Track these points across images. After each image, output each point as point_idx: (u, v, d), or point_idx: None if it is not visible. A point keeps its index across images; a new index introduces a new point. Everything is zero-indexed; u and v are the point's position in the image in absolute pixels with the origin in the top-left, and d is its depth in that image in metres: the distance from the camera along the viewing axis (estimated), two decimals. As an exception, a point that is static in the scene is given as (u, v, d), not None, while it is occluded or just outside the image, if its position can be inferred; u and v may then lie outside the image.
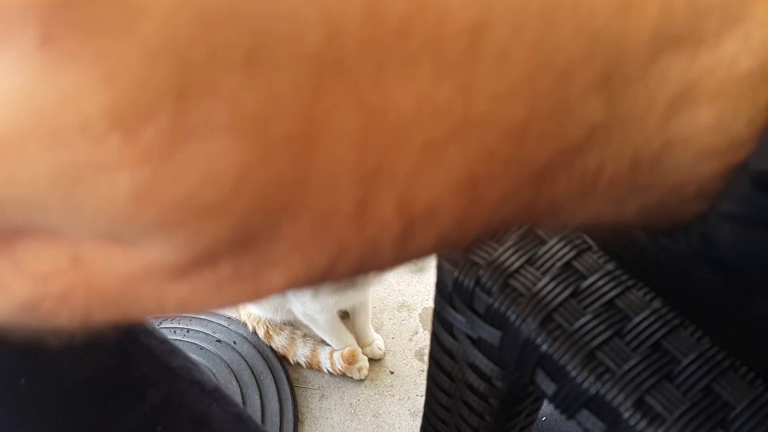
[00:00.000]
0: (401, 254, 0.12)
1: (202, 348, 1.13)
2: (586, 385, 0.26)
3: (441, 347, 0.35)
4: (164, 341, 0.42)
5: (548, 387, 0.28)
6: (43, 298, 0.12)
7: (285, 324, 1.13)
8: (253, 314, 1.12)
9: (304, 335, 1.13)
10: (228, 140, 0.10)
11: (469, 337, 0.32)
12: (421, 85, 0.10)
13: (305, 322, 1.05)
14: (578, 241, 0.29)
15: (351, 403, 1.10)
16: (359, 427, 1.07)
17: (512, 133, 0.11)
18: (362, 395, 1.10)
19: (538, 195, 0.13)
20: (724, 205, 0.13)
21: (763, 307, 0.15)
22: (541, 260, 0.29)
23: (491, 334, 0.29)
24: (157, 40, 0.09)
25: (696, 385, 0.25)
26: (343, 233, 0.11)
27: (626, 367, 0.26)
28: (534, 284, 0.28)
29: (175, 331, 1.16)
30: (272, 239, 0.11)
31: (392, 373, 1.13)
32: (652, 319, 0.27)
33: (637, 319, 0.27)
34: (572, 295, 0.28)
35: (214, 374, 1.10)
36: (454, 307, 0.31)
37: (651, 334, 0.26)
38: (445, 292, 0.31)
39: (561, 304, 0.27)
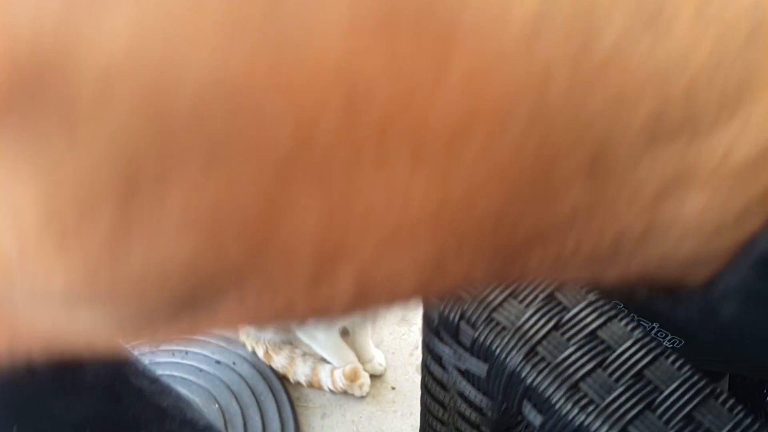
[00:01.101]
0: (352, 310, 0.12)
1: (201, 370, 1.13)
2: (570, 416, 0.26)
3: (432, 377, 0.35)
4: (155, 381, 0.43)
5: (535, 418, 0.28)
6: None
7: (284, 343, 1.13)
8: (251, 334, 1.12)
9: (304, 354, 1.13)
10: (176, 239, 0.09)
11: (458, 369, 0.32)
12: (395, 175, 0.10)
13: (305, 340, 1.05)
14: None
15: (353, 421, 1.10)
16: (361, 444, 1.07)
17: (488, 219, 0.11)
18: (364, 412, 1.10)
19: (508, 268, 0.12)
20: (727, 281, 0.13)
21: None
22: (524, 293, 0.29)
23: (478, 367, 0.30)
24: (104, 141, 0.08)
25: (678, 414, 0.26)
26: (292, 299, 0.11)
27: (609, 398, 0.26)
28: (518, 318, 0.28)
29: (174, 353, 1.16)
30: (214, 304, 0.11)
31: (394, 388, 1.13)
32: (634, 348, 0.27)
33: (619, 350, 0.27)
34: (555, 327, 0.28)
35: (213, 396, 1.10)
36: (441, 340, 0.31)
37: (633, 364, 0.27)
38: (432, 325, 0.31)
39: (544, 336, 0.28)
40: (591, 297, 0.29)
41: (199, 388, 1.12)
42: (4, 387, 0.38)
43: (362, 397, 1.11)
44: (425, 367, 0.36)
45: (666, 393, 0.26)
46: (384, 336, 1.19)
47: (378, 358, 1.13)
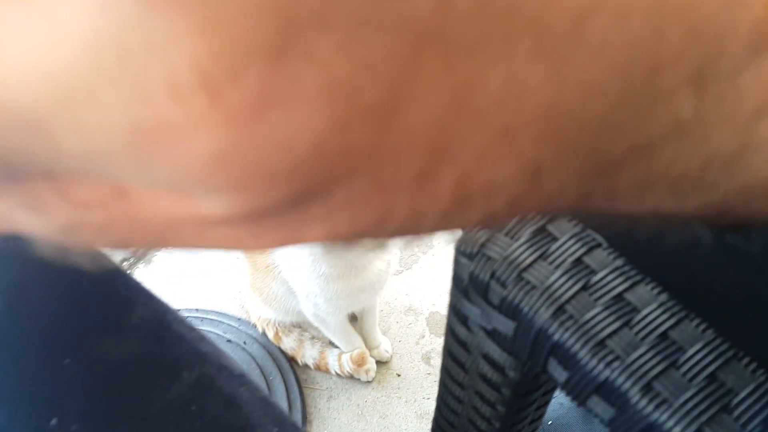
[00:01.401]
0: (442, 225, 0.12)
1: (211, 348, 1.14)
2: (596, 372, 0.27)
3: (456, 339, 0.36)
4: (194, 330, 0.44)
5: (560, 375, 0.29)
6: (83, 225, 0.11)
7: (294, 326, 1.14)
8: (262, 316, 1.14)
9: (313, 337, 1.14)
10: (311, 108, 0.09)
11: (484, 329, 0.33)
12: (515, 65, 0.10)
13: (315, 323, 1.06)
14: (588, 239, 0.31)
15: (358, 404, 1.11)
16: (366, 428, 1.08)
17: (592, 125, 0.11)
18: (369, 397, 1.11)
19: (597, 188, 0.12)
20: None
21: None
22: (553, 256, 0.30)
23: (505, 325, 0.31)
24: None
25: (701, 373, 0.27)
26: (394, 200, 0.11)
27: (634, 355, 0.27)
28: (546, 278, 0.29)
29: (185, 332, 1.17)
30: (324, 200, 0.11)
31: (399, 375, 1.14)
32: (659, 311, 0.28)
33: (644, 311, 0.28)
34: (583, 288, 0.29)
35: (223, 374, 1.11)
36: (469, 300, 0.32)
37: (658, 325, 0.28)
38: (461, 286, 0.32)
39: (572, 296, 0.29)
40: (618, 262, 0.30)
41: (207, 367, 1.13)
42: (58, 322, 0.39)
43: (368, 383, 1.12)
44: (449, 330, 0.37)
45: (690, 353, 0.27)
46: (391, 324, 1.20)
47: (384, 345, 1.15)
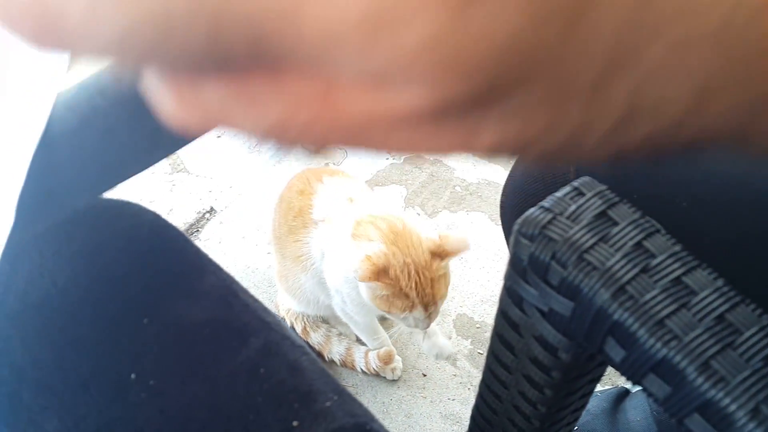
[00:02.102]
0: (605, 142, 0.13)
1: (241, 340, 1.16)
2: (654, 350, 0.28)
3: (508, 321, 0.37)
4: (257, 301, 0.46)
5: (617, 354, 0.30)
6: (291, 121, 0.13)
7: (322, 321, 1.16)
8: (291, 310, 1.15)
9: (340, 334, 1.15)
10: (512, 3, 0.10)
11: (539, 310, 0.34)
12: None
13: (344, 319, 1.08)
14: (648, 224, 0.32)
15: (383, 402, 1.12)
16: (391, 425, 1.09)
17: (761, 49, 0.11)
18: (395, 395, 1.12)
19: (753, 122, 0.12)
20: None
21: None
22: (614, 239, 0.31)
23: (564, 305, 0.32)
24: None
25: (758, 354, 0.28)
26: (567, 108, 0.12)
27: (692, 335, 0.28)
28: (607, 260, 0.31)
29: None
30: (502, 101, 0.12)
31: (425, 375, 1.15)
32: (716, 295, 0.29)
33: (702, 294, 0.29)
34: (642, 271, 0.30)
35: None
36: (527, 281, 0.34)
37: (715, 308, 0.29)
38: (519, 267, 0.34)
39: (632, 278, 0.30)
40: (676, 248, 0.31)
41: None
42: (136, 284, 0.42)
43: (393, 381, 1.13)
44: (501, 314, 0.38)
45: (747, 335, 0.28)
46: (418, 325, 1.21)
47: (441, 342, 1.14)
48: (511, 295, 0.36)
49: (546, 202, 0.33)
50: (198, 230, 1.37)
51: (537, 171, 0.50)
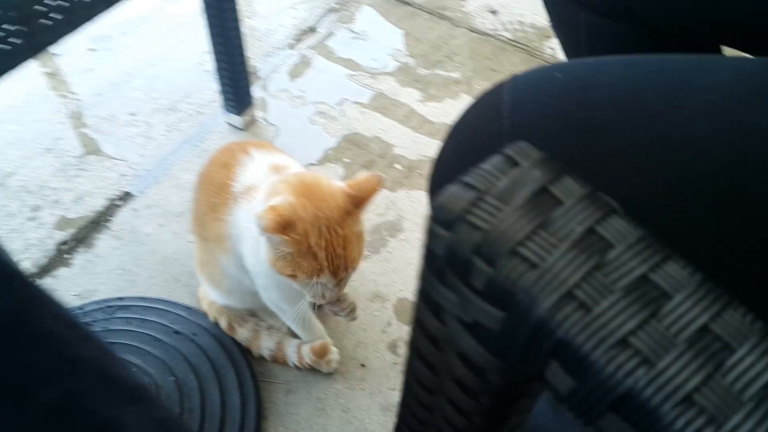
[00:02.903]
0: None
1: (158, 340, 1.05)
2: (614, 381, 0.20)
3: (424, 333, 0.29)
4: (74, 327, 0.34)
5: (563, 383, 0.22)
6: None
7: (249, 314, 1.06)
8: (215, 304, 1.05)
9: (270, 327, 1.06)
10: None
11: (461, 321, 0.26)
12: None
13: (272, 308, 0.98)
14: (601, 203, 0.24)
15: (319, 398, 1.03)
16: (327, 422, 1.01)
17: None
18: (331, 389, 1.04)
19: None
20: None
21: None
22: (557, 225, 0.23)
23: (491, 316, 0.23)
24: None
25: (756, 380, 0.20)
26: None
27: (668, 358, 0.20)
28: (548, 254, 0.22)
29: (129, 321, 1.08)
30: None
31: (363, 366, 1.07)
32: (696, 297, 0.21)
33: (677, 298, 0.21)
34: (596, 267, 0.22)
35: (170, 368, 1.02)
36: (444, 283, 0.25)
37: (696, 316, 0.21)
38: (434, 265, 0.25)
39: (583, 278, 0.22)
40: (639, 232, 0.23)
41: (154, 359, 1.04)
42: None
43: (329, 374, 1.05)
44: (416, 323, 0.29)
45: (740, 354, 0.20)
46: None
47: None
48: (425, 300, 0.27)
49: (469, 176, 0.24)
50: (109, 219, 1.24)
51: (468, 143, 0.42)
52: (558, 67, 0.42)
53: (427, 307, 0.27)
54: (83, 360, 0.32)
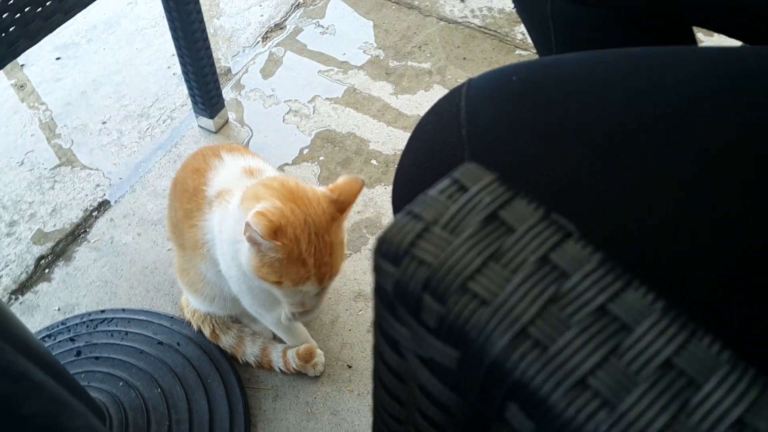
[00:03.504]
0: None
1: (142, 351, 1.03)
2: (576, 425, 0.19)
3: (386, 366, 0.27)
4: (21, 379, 0.32)
5: (523, 426, 0.21)
6: None
7: (233, 321, 1.04)
8: (198, 312, 1.03)
9: (254, 333, 1.04)
10: None
11: (419, 357, 0.24)
12: None
13: (253, 314, 0.97)
14: (555, 227, 0.22)
15: (307, 402, 1.02)
16: (317, 426, 1.00)
17: None
18: (319, 393, 1.03)
19: None
20: None
21: None
22: (509, 255, 0.21)
23: (445, 355, 0.22)
24: None
25: (724, 419, 0.18)
26: None
27: (630, 399, 0.19)
28: (500, 289, 0.21)
29: (112, 334, 1.06)
30: None
31: (350, 367, 1.06)
32: (658, 328, 0.20)
33: (638, 330, 0.20)
34: (551, 300, 0.21)
35: (155, 380, 1.01)
36: (397, 319, 0.24)
37: (658, 350, 0.20)
38: (386, 299, 0.23)
39: (538, 314, 0.20)
40: (596, 257, 0.21)
41: (139, 372, 1.02)
42: None
43: (317, 378, 1.04)
44: (377, 355, 0.28)
45: (706, 390, 0.19)
46: (340, 312, 1.12)
47: None
48: (383, 334, 0.26)
49: (415, 205, 0.23)
50: (86, 230, 1.22)
51: (427, 154, 0.40)
52: (513, 69, 0.41)
53: (385, 340, 0.26)
54: (26, 417, 0.30)
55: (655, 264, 0.34)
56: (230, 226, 0.81)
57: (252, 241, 0.73)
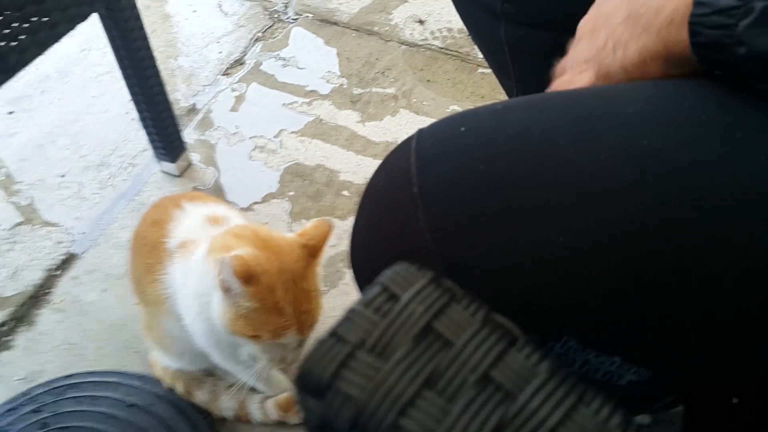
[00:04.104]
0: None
1: (113, 417, 0.99)
2: None
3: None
4: None
5: None
6: None
7: (206, 375, 1.00)
8: (168, 369, 0.99)
9: (230, 386, 1.00)
10: None
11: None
12: None
13: (228, 368, 0.93)
14: (497, 334, 0.20)
15: (291, 453, 0.98)
16: (302, 479, 0.96)
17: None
18: (302, 442, 0.99)
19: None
20: None
21: None
22: (447, 376, 0.19)
23: (386, 495, 0.19)
24: None
25: None
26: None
27: None
28: (438, 422, 0.18)
29: (80, 401, 1.02)
30: None
31: (333, 412, 1.02)
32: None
33: (597, 460, 0.17)
34: (499, 427, 0.18)
35: (129, 445, 0.96)
36: (331, 452, 0.21)
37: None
38: None
39: (482, 449, 0.18)
40: (546, 367, 0.19)
41: (111, 438, 0.98)
42: None
43: (297, 425, 1.00)
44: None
45: None
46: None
47: None
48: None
49: (339, 325, 0.20)
50: (49, 291, 1.17)
51: (380, 215, 0.37)
52: (462, 119, 0.38)
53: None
54: None
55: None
56: (196, 279, 0.77)
57: (225, 287, 0.69)
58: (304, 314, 0.73)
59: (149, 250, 0.86)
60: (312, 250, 0.74)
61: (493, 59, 0.82)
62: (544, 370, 0.19)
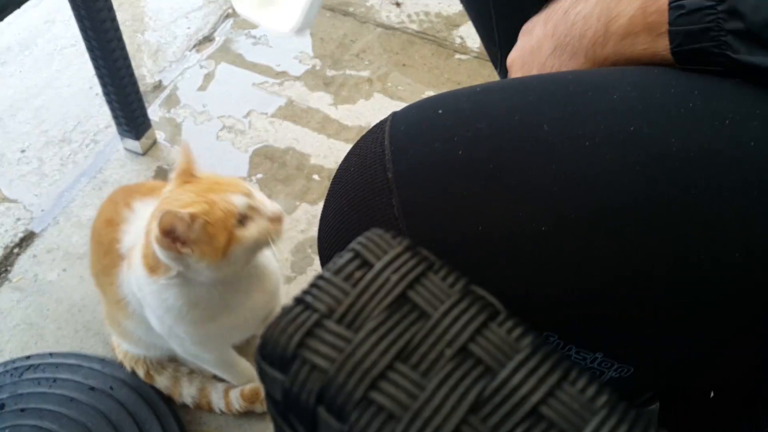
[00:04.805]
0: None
1: (72, 399, 0.96)
2: None
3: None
4: None
5: None
6: None
7: (168, 360, 0.97)
8: (130, 353, 0.96)
9: (190, 372, 0.97)
10: None
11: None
12: None
13: (193, 361, 0.90)
14: (477, 306, 0.18)
15: (256, 440, 0.96)
16: (267, 466, 0.94)
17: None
18: (269, 430, 0.97)
19: None
20: None
21: None
22: (422, 350, 0.17)
23: (354, 477, 0.18)
24: None
25: None
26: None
27: None
28: (413, 396, 0.17)
29: (39, 382, 0.98)
30: None
31: (299, 397, 1.00)
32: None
33: (588, 428, 0.16)
34: (475, 407, 0.17)
35: (89, 429, 0.93)
36: (294, 430, 0.19)
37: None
38: (278, 409, 0.19)
39: (463, 420, 0.16)
40: (528, 341, 0.18)
41: (70, 422, 0.95)
42: None
43: (265, 413, 0.98)
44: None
45: None
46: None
47: None
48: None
49: (306, 293, 0.18)
50: (7, 269, 1.13)
51: (352, 201, 0.35)
52: (439, 101, 0.37)
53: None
54: None
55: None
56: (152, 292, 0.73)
57: (164, 246, 0.64)
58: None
59: (105, 251, 0.82)
60: (185, 172, 0.70)
61: (480, 23, 0.81)
62: (526, 345, 0.18)
